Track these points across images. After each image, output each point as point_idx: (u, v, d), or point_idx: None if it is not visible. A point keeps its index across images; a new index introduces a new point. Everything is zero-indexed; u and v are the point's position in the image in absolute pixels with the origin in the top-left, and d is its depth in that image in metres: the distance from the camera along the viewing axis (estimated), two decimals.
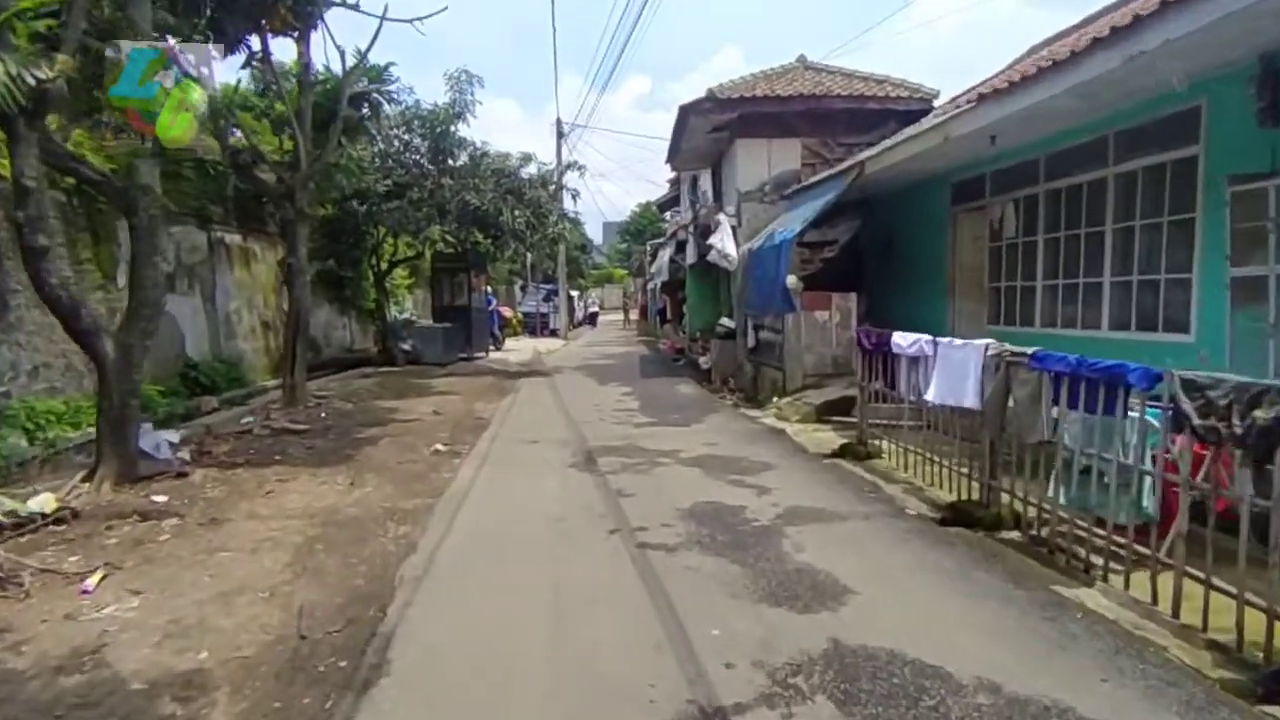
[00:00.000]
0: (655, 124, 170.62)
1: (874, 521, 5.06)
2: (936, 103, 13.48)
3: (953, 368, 5.33)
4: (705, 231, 13.90)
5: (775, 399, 10.39)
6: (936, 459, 5.86)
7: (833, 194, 10.29)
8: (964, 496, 5.32)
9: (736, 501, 5.52)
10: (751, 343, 12.53)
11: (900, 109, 13.37)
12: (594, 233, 59.68)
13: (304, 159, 9.97)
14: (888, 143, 9.96)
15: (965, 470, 5.36)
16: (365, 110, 11.18)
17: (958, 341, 5.33)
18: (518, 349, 21.91)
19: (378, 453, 7.67)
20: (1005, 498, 4.93)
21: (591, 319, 46.58)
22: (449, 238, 13.26)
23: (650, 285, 30.29)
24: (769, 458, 7.03)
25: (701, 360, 14.64)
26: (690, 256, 17.04)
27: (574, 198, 14.40)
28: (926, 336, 5.80)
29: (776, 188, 13.64)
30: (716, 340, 14.03)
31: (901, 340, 6.16)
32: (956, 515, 5.13)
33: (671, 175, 38.41)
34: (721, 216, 13.54)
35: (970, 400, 5.09)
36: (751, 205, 13.73)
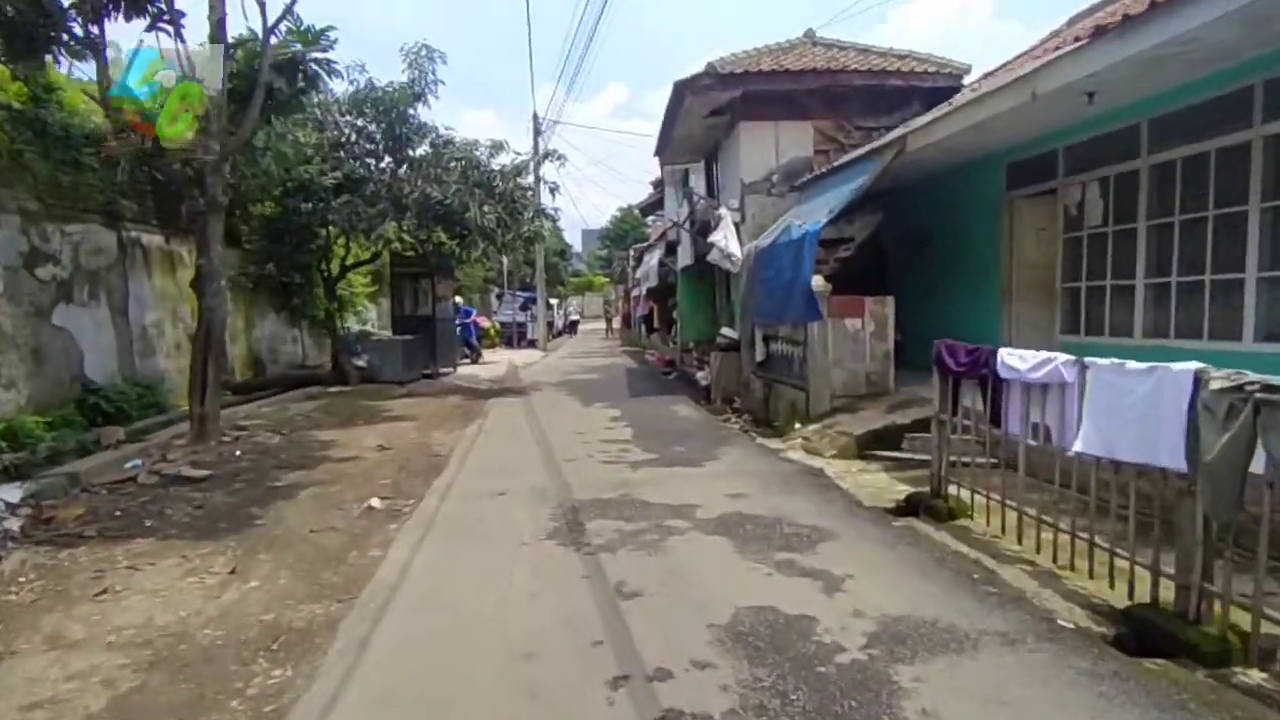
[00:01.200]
0: (631, 139, 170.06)
1: (1022, 651, 3.22)
2: (967, 79, 11.84)
3: (1124, 405, 3.52)
4: (704, 228, 12.12)
5: (797, 425, 8.57)
6: (1064, 527, 4.08)
7: (864, 178, 8.53)
8: (1141, 597, 3.52)
9: (799, 607, 3.67)
10: (761, 356, 10.72)
11: (926, 86, 11.70)
12: (572, 240, 57.87)
13: (215, 137, 8.00)
14: (937, 111, 8.22)
15: (1134, 555, 3.56)
16: (300, 82, 9.22)
17: (1133, 365, 3.53)
18: (492, 362, 19.93)
19: (290, 513, 5.71)
20: (1220, 606, 3.14)
21: (572, 327, 44.78)
22: (406, 237, 11.34)
23: (635, 292, 28.47)
24: (820, 518, 5.18)
25: (699, 376, 12.82)
26: (683, 259, 15.25)
27: (553, 191, 12.53)
28: (1065, 357, 4.00)
29: (786, 177, 11.90)
30: (717, 353, 12.22)
31: (1017, 360, 4.36)
32: (1143, 634, 3.32)
33: (655, 178, 36.79)
34: (723, 211, 11.75)
35: (1167, 456, 3.28)
36: (757, 198, 11.98)
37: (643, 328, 23.16)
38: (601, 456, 7.57)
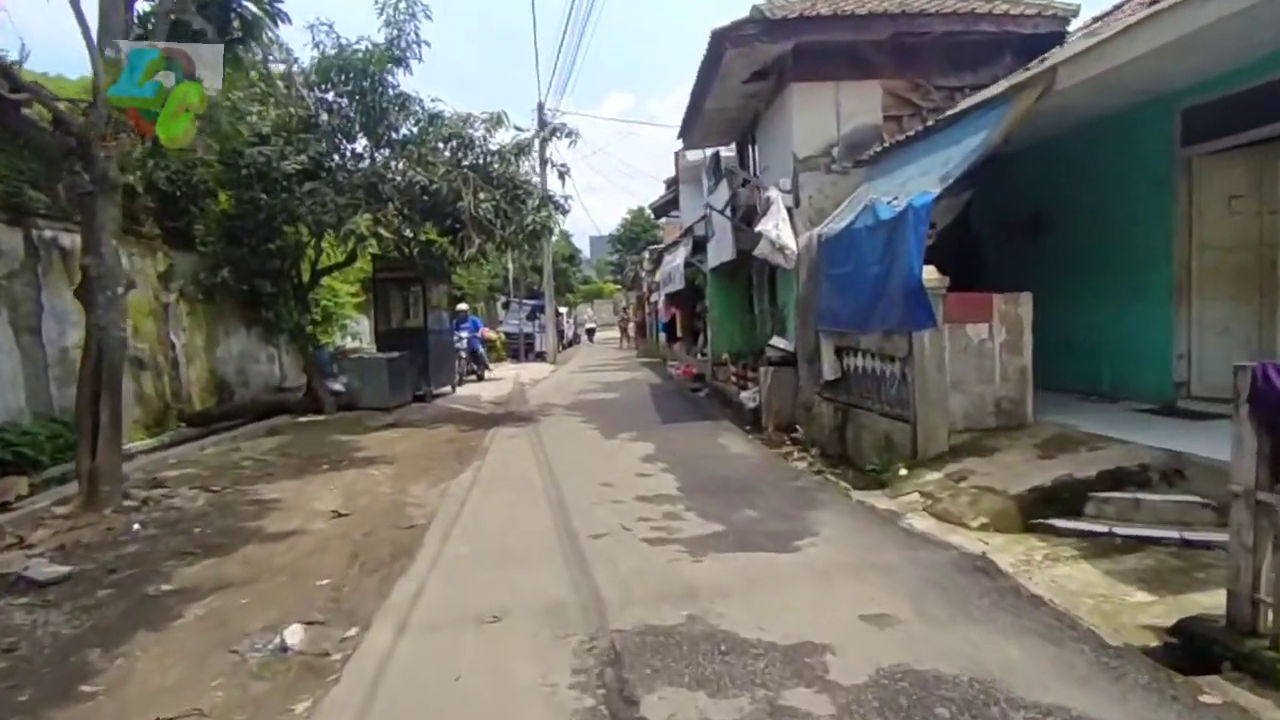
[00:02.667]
0: (639, 141, 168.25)
1: None
2: (1073, 25, 9.56)
3: None
4: (748, 216, 9.87)
5: (903, 470, 6.26)
6: None
7: (987, 131, 6.26)
8: None
9: None
10: (831, 373, 8.42)
11: (1024, 32, 9.42)
12: (580, 246, 55.75)
13: (102, 92, 5.81)
14: (1119, 23, 5.88)
15: None
16: (235, 29, 7.07)
17: None
18: (496, 379, 17.71)
19: (146, 667, 3.48)
20: None
21: (589, 335, 42.63)
22: (385, 233, 9.17)
23: (653, 298, 26.24)
24: (1060, 685, 2.88)
25: (743, 396, 10.53)
26: (714, 257, 12.99)
27: (563, 175, 10.30)
28: None
29: (850, 150, 9.64)
30: (767, 369, 9.93)
31: None
32: None
33: (669, 176, 34.69)
34: (773, 193, 9.49)
35: None
36: (814, 176, 9.72)
37: (663, 337, 20.88)
38: (642, 528, 5.27)
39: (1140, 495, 4.73)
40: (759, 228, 9.36)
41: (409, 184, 9.71)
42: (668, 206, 33.69)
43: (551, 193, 10.43)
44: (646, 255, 30.08)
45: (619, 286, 54.68)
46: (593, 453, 8.49)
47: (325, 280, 16.29)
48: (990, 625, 3.44)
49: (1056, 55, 6.04)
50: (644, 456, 8.06)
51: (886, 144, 8.82)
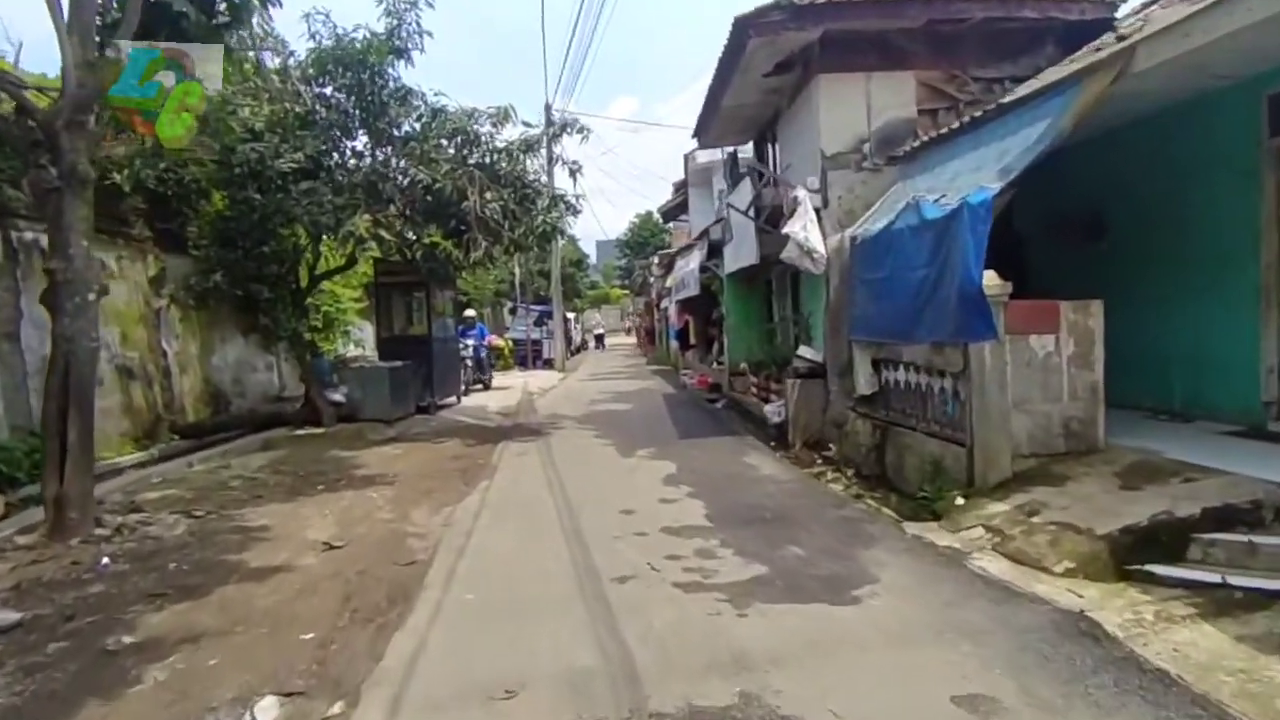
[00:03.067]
0: (646, 145, 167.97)
1: None
2: (1121, 11, 8.91)
3: None
4: (772, 217, 9.24)
5: (959, 498, 5.60)
6: None
7: (1053, 119, 5.62)
8: None
9: None
10: (867, 387, 7.78)
11: (1069, 19, 8.78)
12: (586, 251, 55.19)
13: (71, 74, 5.23)
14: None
15: None
16: (222, 12, 6.50)
17: None
18: (503, 388, 17.10)
19: None
20: None
21: (598, 340, 42.04)
22: (386, 235, 8.58)
23: (664, 303, 25.64)
24: None
25: (767, 410, 9.87)
26: (732, 262, 12.36)
27: (574, 173, 9.68)
28: None
29: (882, 146, 9.00)
30: (794, 381, 9.28)
31: None
32: None
33: (678, 179, 34.12)
34: (802, 193, 8.85)
35: None
36: (844, 175, 9.08)
37: (675, 344, 20.24)
38: (673, 569, 4.63)
39: (1256, 538, 4.07)
40: (786, 230, 8.73)
41: (411, 183, 9.12)
42: (676, 210, 33.10)
43: (562, 191, 9.85)
44: (656, 260, 29.48)
45: (625, 292, 54.16)
46: (609, 472, 7.85)
47: (326, 285, 15.78)
48: (1120, 717, 2.78)
49: (1133, 33, 5.39)
50: (665, 478, 7.41)
51: (923, 138, 8.18)
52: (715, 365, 15.68)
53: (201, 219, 10.87)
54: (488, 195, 9.24)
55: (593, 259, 57.91)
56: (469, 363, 15.83)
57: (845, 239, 8.35)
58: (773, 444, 9.46)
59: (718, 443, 9.47)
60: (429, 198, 9.33)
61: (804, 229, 8.68)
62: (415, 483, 7.50)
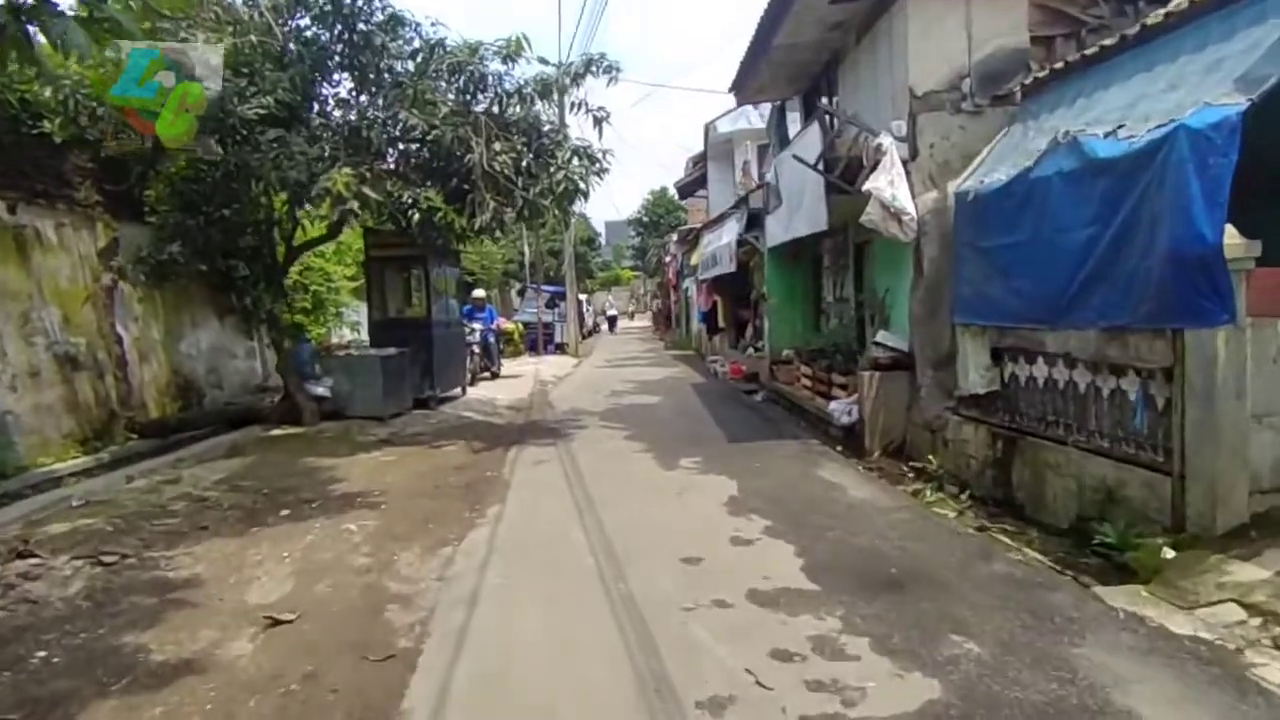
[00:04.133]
0: (659, 123, 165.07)
1: None
2: None
3: None
4: (850, 171, 7.47)
5: (1164, 548, 3.90)
6: None
7: None
8: None
9: None
10: (982, 384, 6.08)
11: None
12: (597, 230, 53.27)
13: None
14: None
15: None
16: None
17: None
18: (513, 376, 15.45)
19: None
20: None
21: (610, 323, 40.39)
22: (369, 192, 6.87)
23: (685, 284, 23.89)
24: None
25: (834, 408, 8.17)
26: (777, 233, 10.60)
27: (599, 123, 7.89)
28: None
29: (986, 83, 7.22)
30: (872, 375, 7.58)
31: None
32: None
33: (696, 153, 32.22)
34: (888, 141, 7.10)
35: None
36: (937, 119, 7.32)
37: (702, 328, 18.50)
38: (788, 682, 2.96)
39: None
40: (867, 186, 6.98)
41: (403, 131, 7.42)
42: (694, 185, 31.20)
43: (585, 142, 8.09)
44: (675, 237, 27.68)
45: (637, 273, 52.32)
46: (652, 492, 6.17)
47: (316, 262, 14.11)
48: None
49: None
50: (728, 502, 5.74)
51: (1055, 65, 6.39)
52: (752, 352, 13.97)
53: (160, 180, 9.19)
54: (496, 146, 7.52)
55: (603, 239, 56.00)
56: (476, 349, 14.18)
57: (947, 196, 6.61)
58: (840, 449, 7.81)
59: (777, 449, 7.79)
60: (425, 150, 7.63)
61: (891, 184, 6.95)
62: (406, 506, 5.86)
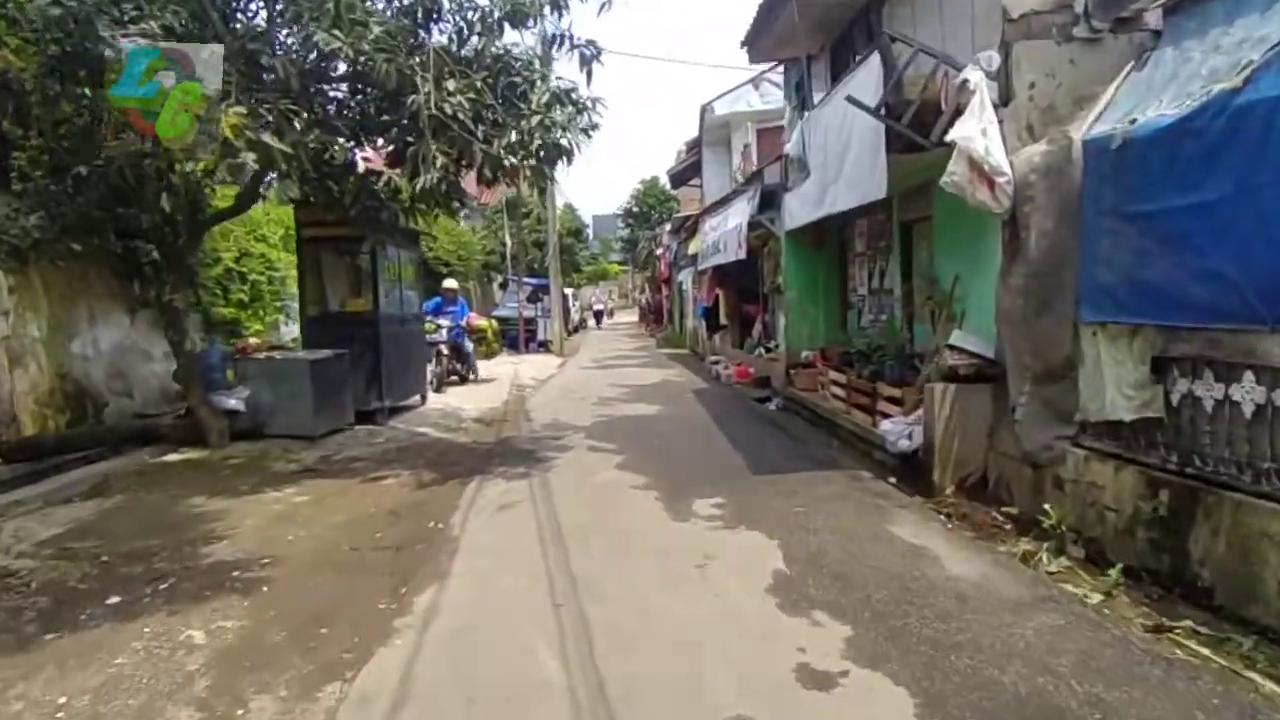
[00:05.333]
0: (645, 120, 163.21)
1: None
2: None
3: None
4: (920, 119, 5.60)
5: None
6: None
7: None
8: None
9: None
10: (1131, 407, 4.26)
11: None
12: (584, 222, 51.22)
13: None
14: None
15: None
16: None
17: None
18: (487, 380, 13.50)
19: None
20: None
21: (597, 318, 38.59)
22: (272, 141, 4.98)
23: (679, 276, 22.02)
24: None
25: (887, 429, 6.32)
26: (808, 210, 8.76)
27: (588, 59, 6.00)
28: None
29: (1106, 3, 5.40)
30: (944, 389, 5.73)
31: None
32: None
33: (689, 139, 30.35)
34: (976, 77, 5.25)
35: None
36: (1040, 51, 5.46)
37: (702, 325, 16.63)
38: None
39: None
40: (953, 134, 5.14)
41: (321, 59, 5.50)
42: (687, 174, 29.26)
43: (569, 85, 6.17)
44: (668, 227, 25.83)
45: (624, 267, 50.41)
46: (662, 563, 4.28)
47: (257, 246, 12.11)
48: None
49: None
50: (775, 584, 3.86)
51: None
52: (763, 352, 12.12)
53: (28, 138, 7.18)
54: (449, 85, 5.58)
55: (590, 232, 54.02)
56: (444, 349, 12.23)
57: (1071, 148, 4.77)
58: (894, 480, 6.00)
59: (817, 483, 5.92)
60: (356, 90, 5.70)
61: (983, 135, 5.11)
62: (298, 588, 3.95)
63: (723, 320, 15.00)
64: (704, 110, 23.37)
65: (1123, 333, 4.38)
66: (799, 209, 9.09)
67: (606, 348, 23.26)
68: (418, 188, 5.43)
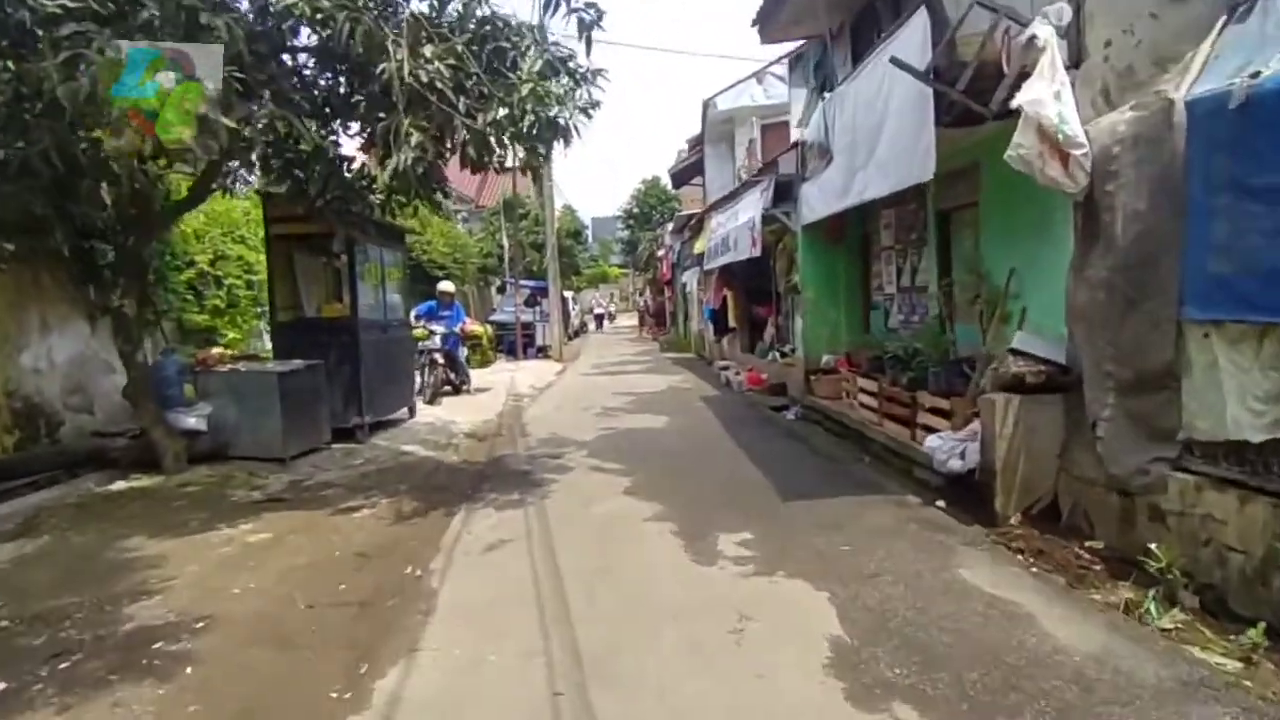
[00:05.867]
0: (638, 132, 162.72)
1: None
2: None
3: None
4: (978, 82, 4.78)
5: None
6: None
7: None
8: None
9: None
10: (1261, 425, 3.43)
11: None
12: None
13: None
14: None
15: None
16: None
17: None
18: (482, 390, 12.66)
19: None
20: None
21: (598, 321, 37.89)
22: (219, 119, 4.22)
23: (683, 276, 21.22)
24: None
25: (933, 446, 5.49)
26: (831, 200, 7.96)
27: (587, 24, 5.21)
28: None
29: None
30: (1007, 399, 4.91)
31: None
32: None
33: (690, 137, 29.56)
34: (1044, 32, 4.44)
35: None
36: (1117, 5, 4.69)
37: (709, 327, 15.80)
38: None
39: None
40: (1018, 100, 4.32)
41: (273, 17, 4.69)
42: (689, 172, 28.42)
43: (566, 51, 5.36)
44: (670, 226, 25.04)
45: (624, 270, 49.60)
46: (689, 629, 3.44)
47: (235, 248, 11.27)
48: None
49: None
50: (836, 659, 3.03)
51: None
52: (777, 357, 11.30)
53: None
54: (426, 51, 4.77)
55: (589, 234, 53.23)
56: (438, 358, 11.40)
57: (1173, 110, 3.95)
58: (942, 504, 5.18)
59: (862, 511, 5.09)
60: (326, 67, 4.89)
61: (1055, 98, 4.31)
62: (230, 671, 3.11)
63: (731, 323, 14.18)
64: (706, 105, 22.61)
65: (1248, 334, 3.57)
66: (818, 200, 8.27)
67: (608, 352, 22.43)
68: (390, 170, 4.62)
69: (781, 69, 21.82)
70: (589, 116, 6.02)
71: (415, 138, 4.51)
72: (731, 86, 21.88)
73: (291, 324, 7.79)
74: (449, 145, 4.93)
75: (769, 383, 10.96)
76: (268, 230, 7.73)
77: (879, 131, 6.15)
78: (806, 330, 9.64)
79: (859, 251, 9.55)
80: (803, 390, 9.58)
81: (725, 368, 13.24)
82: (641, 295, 39.52)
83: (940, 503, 5.31)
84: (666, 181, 35.35)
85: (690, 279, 20.33)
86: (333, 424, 7.55)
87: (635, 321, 41.73)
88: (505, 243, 25.87)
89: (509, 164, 5.88)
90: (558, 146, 5.83)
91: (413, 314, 11.98)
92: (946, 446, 5.46)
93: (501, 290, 26.68)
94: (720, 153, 23.94)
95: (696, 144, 26.97)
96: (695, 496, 5.56)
